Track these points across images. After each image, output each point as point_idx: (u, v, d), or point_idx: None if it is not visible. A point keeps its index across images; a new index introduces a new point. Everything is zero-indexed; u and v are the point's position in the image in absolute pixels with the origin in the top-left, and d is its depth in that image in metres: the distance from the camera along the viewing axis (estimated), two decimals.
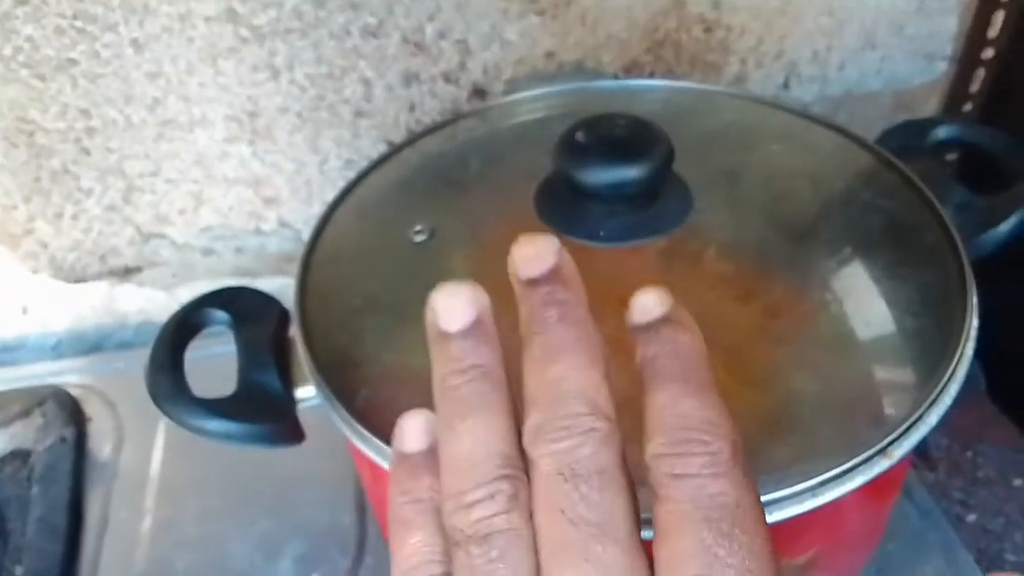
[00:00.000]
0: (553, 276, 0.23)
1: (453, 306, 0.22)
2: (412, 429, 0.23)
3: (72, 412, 0.55)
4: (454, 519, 0.20)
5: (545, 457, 0.20)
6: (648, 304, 0.22)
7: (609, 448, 0.20)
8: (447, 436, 0.21)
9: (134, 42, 0.48)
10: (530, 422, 0.21)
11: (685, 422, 0.20)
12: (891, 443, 0.29)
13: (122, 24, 0.47)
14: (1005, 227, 0.39)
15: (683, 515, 0.19)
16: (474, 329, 0.22)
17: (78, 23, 0.47)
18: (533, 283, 0.22)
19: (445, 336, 0.22)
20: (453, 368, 0.22)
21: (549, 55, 0.53)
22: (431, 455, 0.22)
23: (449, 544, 0.20)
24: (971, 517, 0.49)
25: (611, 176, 0.33)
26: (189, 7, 0.47)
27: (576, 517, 0.19)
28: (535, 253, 0.23)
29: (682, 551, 0.19)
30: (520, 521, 0.20)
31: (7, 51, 0.47)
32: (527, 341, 0.22)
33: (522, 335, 0.22)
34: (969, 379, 0.57)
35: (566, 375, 0.21)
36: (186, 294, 0.62)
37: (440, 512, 0.21)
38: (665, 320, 0.22)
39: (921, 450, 0.51)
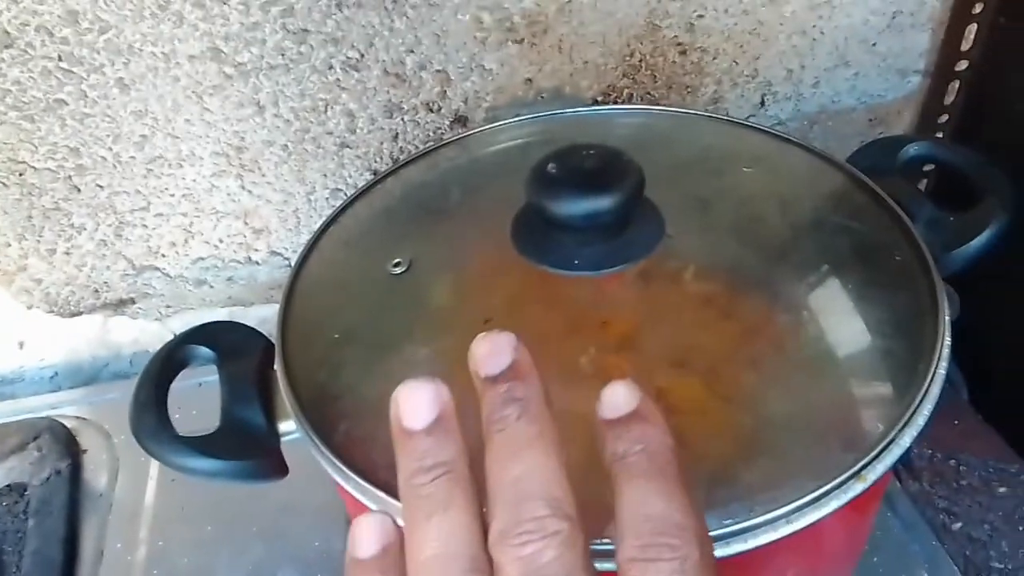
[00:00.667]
0: (511, 373, 0.23)
1: (416, 403, 0.23)
2: (365, 535, 0.23)
3: (67, 445, 0.55)
4: None
5: (511, 563, 0.20)
6: (618, 399, 0.23)
7: (572, 549, 0.21)
8: (413, 535, 0.22)
9: (120, 82, 0.49)
10: (494, 526, 0.21)
11: (655, 526, 0.21)
12: (865, 466, 0.29)
13: (108, 65, 0.48)
14: (976, 244, 0.40)
15: None
16: (437, 426, 0.23)
17: (64, 65, 0.48)
18: (492, 380, 0.23)
19: (409, 434, 0.23)
20: (417, 467, 0.22)
21: (528, 82, 0.54)
22: (385, 558, 0.22)
23: None
24: (956, 526, 0.49)
25: (583, 207, 0.34)
26: (173, 47, 0.48)
27: None
28: (492, 350, 0.24)
29: None
30: None
31: None
32: (488, 439, 0.23)
33: (484, 433, 0.23)
34: (951, 388, 0.58)
35: (527, 474, 0.21)
36: (179, 324, 0.63)
37: None
38: (635, 416, 0.23)
39: (904, 460, 0.52)
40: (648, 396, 0.24)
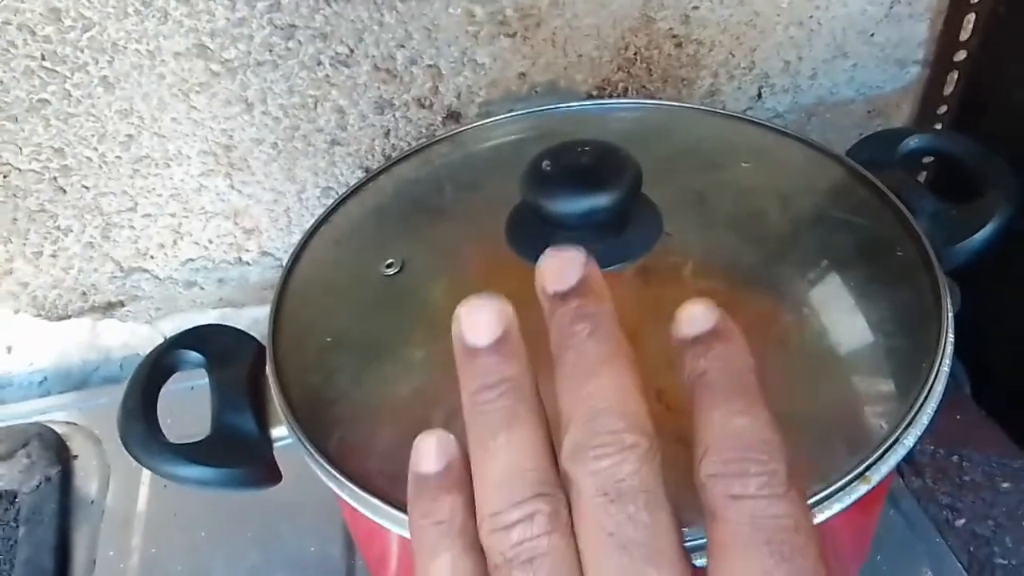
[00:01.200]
0: (581, 289, 0.22)
1: (480, 320, 0.22)
2: (428, 449, 0.22)
3: (57, 451, 0.54)
4: (492, 540, 0.20)
5: (587, 476, 0.19)
6: (697, 315, 0.22)
7: (651, 466, 0.20)
8: (480, 454, 0.21)
9: (104, 80, 0.48)
10: (568, 440, 0.20)
11: (740, 441, 0.20)
12: (869, 467, 0.29)
13: (92, 63, 0.47)
14: (979, 237, 0.39)
15: (743, 537, 0.19)
16: (502, 343, 0.22)
17: (47, 64, 0.47)
18: (561, 297, 0.22)
19: (472, 351, 0.22)
20: (482, 383, 0.21)
21: (521, 76, 0.53)
22: (449, 474, 0.22)
23: (488, 566, 0.20)
24: (960, 522, 0.49)
25: (579, 206, 0.33)
26: (158, 44, 0.47)
27: (626, 540, 0.19)
28: (561, 266, 0.23)
29: (742, 575, 0.18)
30: (562, 543, 0.19)
31: None
32: (559, 357, 0.22)
33: (553, 351, 0.22)
34: (953, 383, 0.57)
35: (602, 391, 0.20)
36: (170, 326, 0.62)
37: (468, 533, 0.20)
38: (715, 333, 0.22)
39: (907, 456, 0.52)
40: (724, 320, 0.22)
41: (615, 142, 0.35)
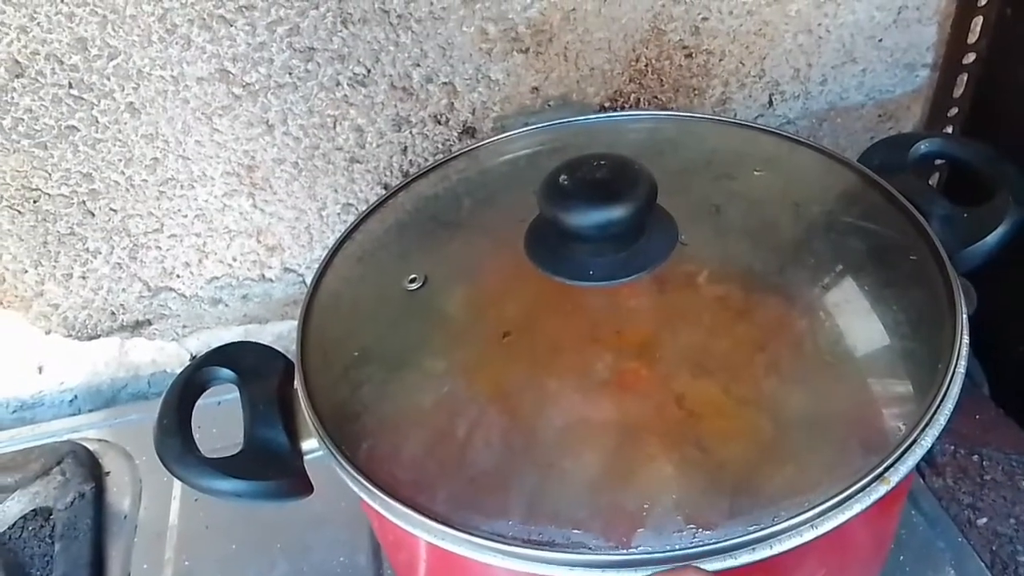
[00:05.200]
0: None
1: None
2: None
3: (90, 467, 0.56)
4: None
5: None
6: None
7: None
8: None
9: (130, 106, 0.49)
10: None
11: None
12: (888, 468, 0.29)
13: (118, 90, 0.49)
14: (992, 239, 0.39)
15: None
16: None
17: (75, 92, 0.48)
18: None
19: None
20: None
21: (535, 91, 0.54)
22: None
23: None
24: (982, 521, 0.49)
25: (595, 218, 0.34)
26: (182, 69, 0.48)
27: None
28: None
29: None
30: None
31: (7, 123, 0.48)
32: None
33: None
34: (971, 383, 0.57)
35: None
36: (196, 343, 0.63)
37: None
38: None
39: (927, 457, 0.52)
40: None
41: (629, 155, 0.36)
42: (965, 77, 0.59)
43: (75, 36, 0.46)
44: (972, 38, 0.57)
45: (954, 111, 0.60)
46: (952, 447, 0.52)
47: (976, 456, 0.52)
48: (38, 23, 0.45)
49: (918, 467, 0.51)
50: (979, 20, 0.56)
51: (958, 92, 0.60)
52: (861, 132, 0.61)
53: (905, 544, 0.46)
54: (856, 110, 0.60)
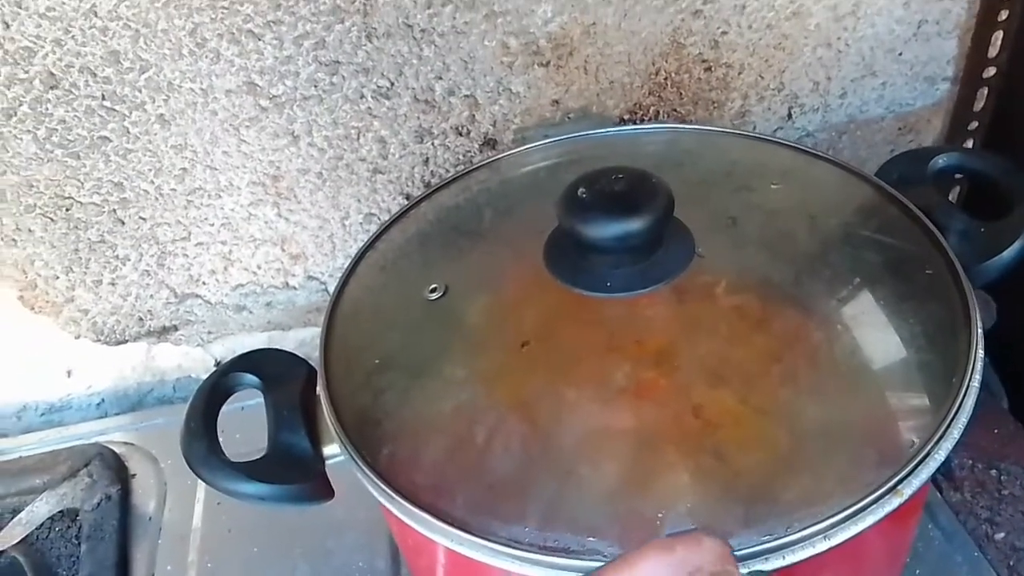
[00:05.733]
0: None
1: None
2: None
3: (117, 470, 0.57)
4: None
5: None
6: None
7: None
8: None
9: (161, 118, 0.51)
10: None
11: None
12: (901, 480, 0.30)
13: (149, 102, 0.50)
14: (1009, 254, 0.39)
15: None
16: None
17: (107, 103, 0.50)
18: None
19: None
20: None
21: (555, 103, 0.55)
22: None
23: None
24: (999, 535, 0.49)
25: (613, 230, 0.35)
26: (211, 82, 0.50)
27: None
28: None
29: None
30: None
31: (41, 133, 0.50)
32: None
33: None
34: (991, 396, 0.57)
35: None
36: (221, 349, 0.64)
37: None
38: None
39: (945, 470, 0.52)
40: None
41: (647, 168, 0.37)
42: (986, 91, 0.59)
43: (108, 49, 0.47)
44: (992, 52, 0.57)
45: (975, 124, 0.60)
46: (970, 461, 0.52)
47: (994, 470, 0.51)
48: (72, 36, 0.47)
49: (936, 481, 0.51)
50: (999, 34, 0.56)
51: (979, 105, 0.60)
52: (881, 145, 0.61)
53: (922, 558, 0.46)
54: (876, 123, 0.61)
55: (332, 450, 0.36)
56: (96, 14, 0.46)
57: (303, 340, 0.65)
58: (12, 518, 0.54)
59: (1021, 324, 0.52)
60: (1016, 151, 0.58)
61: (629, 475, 0.31)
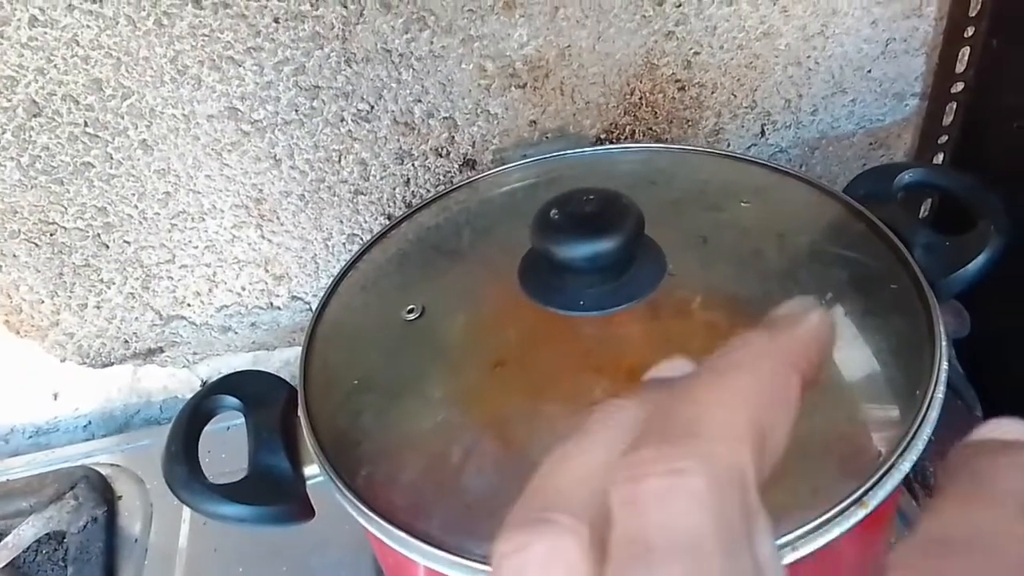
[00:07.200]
0: None
1: None
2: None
3: (103, 492, 0.57)
4: None
5: None
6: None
7: None
8: None
9: (143, 143, 0.51)
10: None
11: None
12: (866, 492, 0.30)
13: (131, 128, 0.51)
14: (973, 267, 0.40)
15: None
16: None
17: (90, 130, 0.50)
18: None
19: None
20: None
21: (532, 124, 0.56)
22: None
23: None
24: None
25: (584, 250, 0.35)
26: (192, 108, 0.50)
27: None
28: None
29: None
30: None
31: (25, 160, 0.51)
32: None
33: None
34: (965, 406, 0.58)
35: None
36: (206, 370, 0.65)
37: None
38: None
39: (920, 478, 0.52)
40: None
41: (618, 189, 0.38)
42: (954, 105, 0.60)
43: (90, 77, 0.48)
44: (960, 67, 0.58)
45: (944, 139, 0.62)
46: None
47: None
48: (55, 65, 0.47)
49: (911, 488, 0.51)
50: (966, 50, 0.58)
51: (948, 120, 0.61)
52: (853, 160, 0.63)
53: None
54: (847, 139, 0.62)
55: (312, 471, 0.36)
56: (78, 43, 0.47)
57: (288, 360, 0.65)
58: None
59: (994, 333, 0.53)
60: (986, 163, 0.59)
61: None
